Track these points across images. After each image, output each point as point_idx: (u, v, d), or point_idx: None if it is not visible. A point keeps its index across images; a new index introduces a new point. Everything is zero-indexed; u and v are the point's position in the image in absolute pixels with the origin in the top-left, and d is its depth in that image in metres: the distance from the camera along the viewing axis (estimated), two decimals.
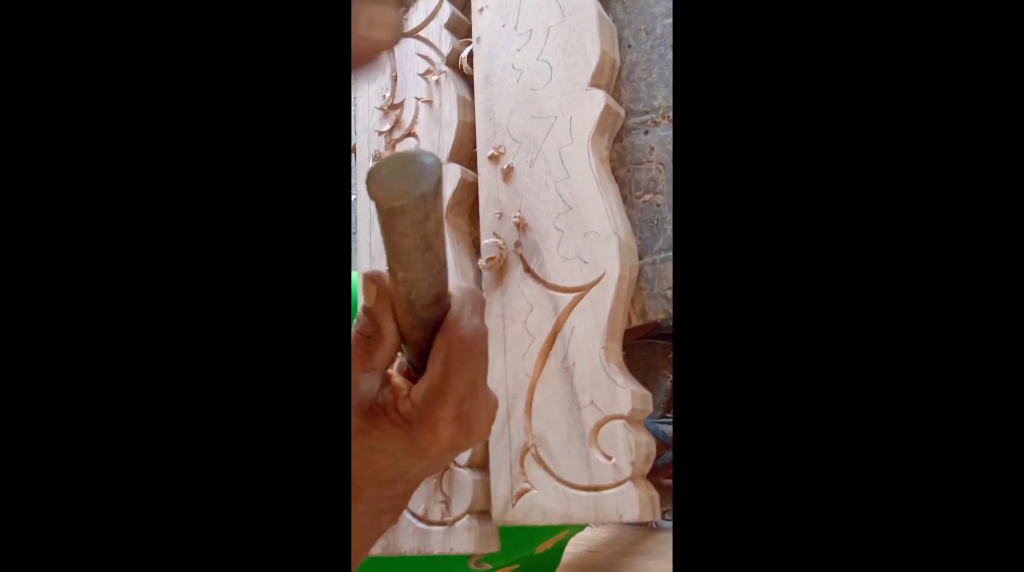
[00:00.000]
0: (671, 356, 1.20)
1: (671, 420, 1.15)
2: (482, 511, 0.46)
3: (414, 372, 0.32)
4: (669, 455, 1.12)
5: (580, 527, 0.84)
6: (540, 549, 0.68)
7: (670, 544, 1.05)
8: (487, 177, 0.49)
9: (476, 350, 0.30)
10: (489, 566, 0.53)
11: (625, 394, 0.41)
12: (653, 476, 1.22)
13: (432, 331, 0.30)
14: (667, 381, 1.19)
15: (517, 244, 0.47)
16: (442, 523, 0.46)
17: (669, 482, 1.13)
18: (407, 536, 0.47)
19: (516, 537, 0.63)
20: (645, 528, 1.15)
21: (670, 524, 1.13)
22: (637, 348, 1.21)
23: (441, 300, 0.30)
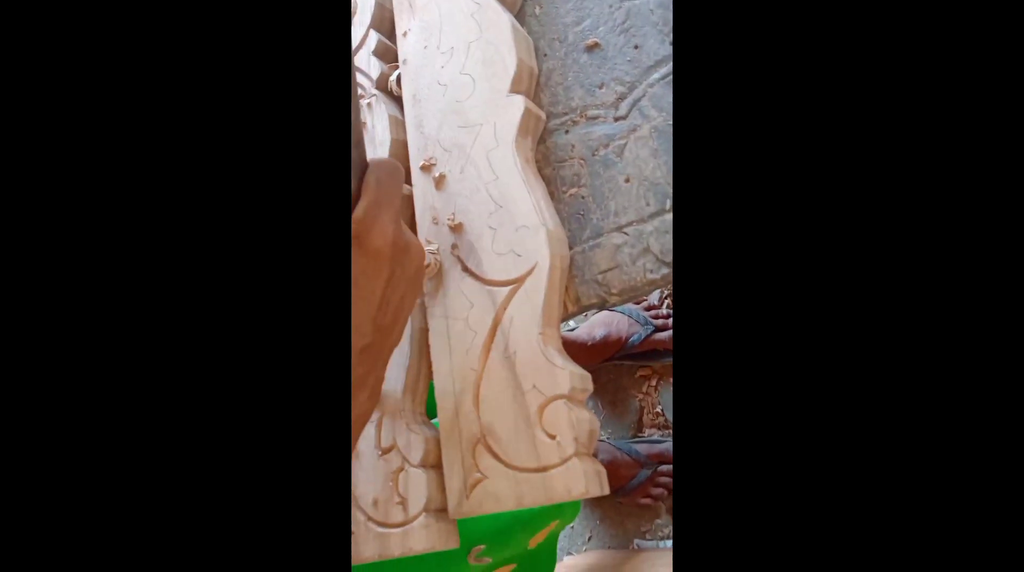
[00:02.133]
0: (638, 375, 1.21)
1: (643, 439, 1.16)
2: (439, 509, 0.47)
3: None
4: (644, 474, 1.12)
5: (571, 516, 0.84)
6: (533, 543, 0.68)
7: (652, 564, 1.04)
8: (421, 186, 0.52)
9: (398, 170, 0.39)
10: (489, 560, 0.53)
11: (564, 374, 0.43)
12: (630, 496, 1.20)
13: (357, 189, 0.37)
14: (635, 401, 1.20)
15: (454, 246, 0.49)
16: (400, 524, 0.47)
17: (646, 501, 1.13)
18: (367, 542, 0.48)
19: (505, 532, 0.63)
20: (627, 551, 1.15)
21: (650, 543, 1.13)
22: (604, 370, 1.23)
23: (363, 164, 0.38)
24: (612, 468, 1.10)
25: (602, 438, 1.19)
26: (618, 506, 1.16)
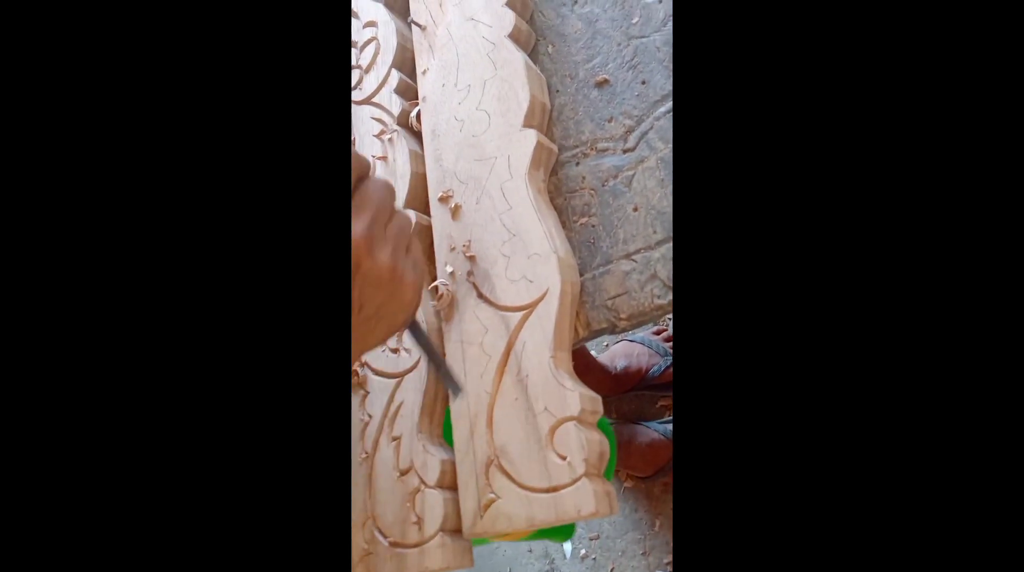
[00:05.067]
0: (659, 405, 1.21)
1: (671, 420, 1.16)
2: (454, 529, 0.48)
3: None
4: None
5: None
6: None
7: None
8: (439, 217, 0.54)
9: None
10: None
11: (574, 396, 0.44)
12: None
13: None
14: None
15: (469, 273, 0.51)
16: (416, 544, 0.48)
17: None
18: (384, 562, 0.49)
19: None
20: None
21: None
22: (626, 401, 1.23)
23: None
24: (651, 450, 1.11)
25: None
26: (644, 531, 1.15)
